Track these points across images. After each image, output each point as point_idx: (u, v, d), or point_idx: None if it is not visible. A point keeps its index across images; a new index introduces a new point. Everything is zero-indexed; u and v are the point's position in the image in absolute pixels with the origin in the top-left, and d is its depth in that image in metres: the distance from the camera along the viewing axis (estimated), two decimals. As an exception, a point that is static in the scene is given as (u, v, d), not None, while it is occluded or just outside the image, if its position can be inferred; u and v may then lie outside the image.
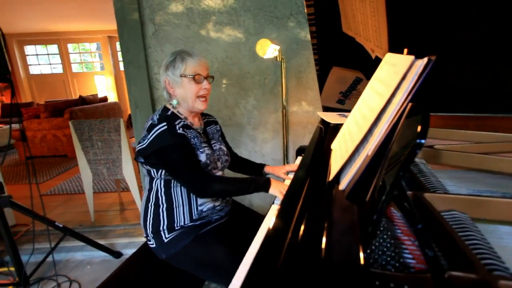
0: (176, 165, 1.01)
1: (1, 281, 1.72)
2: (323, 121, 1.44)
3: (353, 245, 0.43)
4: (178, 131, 1.01)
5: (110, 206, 2.60)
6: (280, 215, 0.57)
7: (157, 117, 1.04)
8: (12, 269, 1.66)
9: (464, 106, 1.38)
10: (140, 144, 1.03)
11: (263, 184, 1.04)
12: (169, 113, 1.08)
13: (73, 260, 1.96)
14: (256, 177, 1.08)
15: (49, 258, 1.71)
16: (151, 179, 1.10)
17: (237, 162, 1.36)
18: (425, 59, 0.48)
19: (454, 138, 1.29)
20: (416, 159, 1.01)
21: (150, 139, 1.00)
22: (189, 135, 1.05)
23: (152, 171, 1.07)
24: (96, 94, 5.92)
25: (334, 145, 0.89)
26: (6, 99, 6.83)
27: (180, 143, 1.00)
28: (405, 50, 0.65)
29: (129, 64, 1.72)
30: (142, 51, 1.70)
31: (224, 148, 1.21)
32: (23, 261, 1.65)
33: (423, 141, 0.38)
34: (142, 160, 1.06)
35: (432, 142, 1.28)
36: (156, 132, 1.00)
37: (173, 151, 0.99)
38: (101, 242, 1.96)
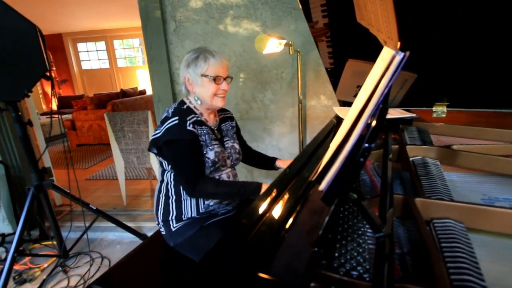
0: (176, 160, 1.04)
1: (48, 252, 1.98)
2: (338, 116, 1.38)
3: (304, 247, 0.42)
4: (188, 127, 1.03)
5: (141, 192, 2.81)
6: (253, 208, 0.58)
7: (172, 110, 1.08)
8: (55, 243, 1.90)
9: (499, 101, 1.22)
10: (153, 135, 1.08)
11: (253, 189, 1.03)
12: (184, 107, 1.10)
13: (106, 239, 2.17)
14: (248, 182, 1.07)
15: (88, 236, 1.92)
16: (163, 170, 1.16)
17: (250, 156, 1.37)
18: (402, 54, 0.44)
19: (484, 137, 1.16)
20: (429, 160, 0.93)
21: (162, 131, 1.04)
22: (199, 132, 1.06)
23: (164, 163, 1.12)
24: (136, 87, 6.33)
25: (332, 143, 0.86)
26: (63, 92, 7.64)
27: (186, 139, 1.02)
28: (398, 44, 0.59)
29: (152, 60, 1.82)
30: (164, 47, 1.78)
31: (237, 146, 1.22)
32: (63, 236, 1.87)
33: (372, 145, 0.35)
34: (155, 151, 1.11)
35: (459, 140, 1.16)
36: (168, 125, 1.03)
37: (178, 145, 1.02)
38: (131, 224, 2.14)
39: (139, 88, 6.35)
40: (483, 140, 1.14)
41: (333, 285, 0.44)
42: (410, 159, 0.95)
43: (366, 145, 0.35)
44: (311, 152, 0.94)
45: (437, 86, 1.28)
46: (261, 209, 0.57)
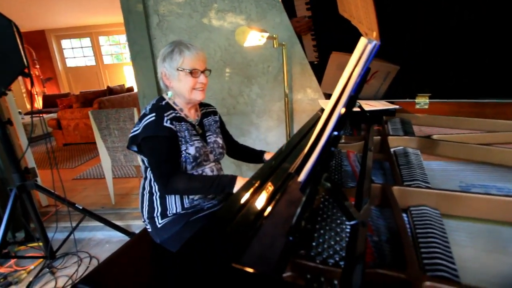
0: (152, 157, 1.03)
1: (34, 254, 1.94)
2: (323, 109, 1.39)
3: (279, 237, 0.42)
4: (165, 123, 1.02)
5: (130, 190, 2.78)
6: (231, 200, 0.58)
7: (150, 107, 1.07)
8: (41, 244, 1.87)
9: (479, 91, 1.25)
10: (132, 132, 1.07)
11: (227, 183, 1.01)
12: (163, 103, 1.09)
13: (95, 238, 2.14)
14: (222, 175, 1.06)
15: (76, 236, 1.89)
16: (146, 167, 1.14)
17: (237, 150, 1.36)
18: (373, 42, 0.44)
19: (463, 127, 1.18)
20: (409, 149, 0.95)
21: (140, 128, 1.03)
22: (178, 128, 1.05)
23: (145, 160, 1.11)
24: (123, 85, 6.22)
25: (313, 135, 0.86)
26: (48, 90, 7.44)
27: (163, 136, 1.01)
28: (374, 33, 0.59)
29: (136, 55, 1.78)
30: (147, 42, 1.75)
31: (220, 141, 1.21)
32: (49, 237, 1.84)
33: (340, 133, 0.35)
34: (135, 149, 1.09)
35: (440, 130, 1.18)
36: (145, 122, 1.02)
37: (154, 142, 1.01)
38: (120, 223, 2.11)
39: (127, 85, 6.24)
40: (462, 130, 1.17)
41: (309, 274, 0.44)
42: (392, 149, 0.97)
43: (335, 133, 0.35)
44: (294, 145, 0.94)
45: (419, 77, 1.30)
46: (240, 201, 0.57)
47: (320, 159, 0.47)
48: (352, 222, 0.43)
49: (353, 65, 0.55)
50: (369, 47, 0.45)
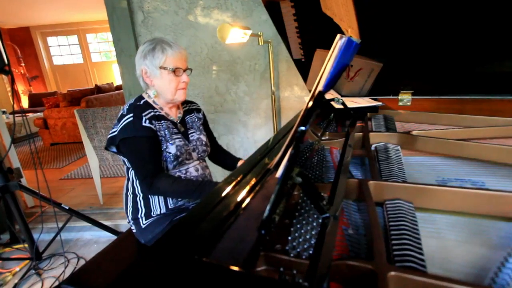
0: (133, 157, 1.01)
1: (19, 256, 1.91)
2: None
3: (251, 231, 0.43)
4: (144, 123, 0.99)
5: (119, 189, 2.75)
6: (208, 195, 0.58)
7: (127, 107, 1.04)
8: (26, 245, 1.84)
9: (460, 88, 1.28)
10: (110, 133, 1.04)
11: (211, 189, 0.96)
12: (141, 102, 1.06)
13: (82, 239, 2.12)
14: (206, 181, 1.04)
15: (63, 236, 1.86)
16: (127, 168, 1.12)
17: (217, 153, 1.32)
18: (343, 39, 0.45)
19: (443, 123, 1.21)
20: (390, 145, 0.97)
21: (118, 129, 1.00)
22: (158, 127, 1.03)
23: (126, 161, 1.09)
24: (112, 83, 6.12)
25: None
26: (35, 89, 7.27)
27: (142, 136, 0.99)
28: (349, 30, 0.60)
29: (121, 52, 1.76)
30: (132, 39, 1.73)
31: (204, 138, 1.18)
32: (35, 239, 1.81)
33: (306, 128, 0.36)
34: (115, 150, 1.07)
35: (422, 127, 1.21)
36: (123, 123, 0.99)
37: (133, 143, 0.99)
38: (108, 223, 2.09)
39: (116, 83, 6.15)
40: (442, 125, 1.20)
41: (282, 267, 0.45)
42: (374, 145, 0.98)
43: (302, 128, 0.36)
44: (278, 139, 0.95)
45: (402, 74, 1.32)
46: (217, 196, 0.58)
47: (293, 155, 0.47)
48: (323, 216, 0.44)
49: (325, 63, 0.56)
50: (339, 43, 0.46)
